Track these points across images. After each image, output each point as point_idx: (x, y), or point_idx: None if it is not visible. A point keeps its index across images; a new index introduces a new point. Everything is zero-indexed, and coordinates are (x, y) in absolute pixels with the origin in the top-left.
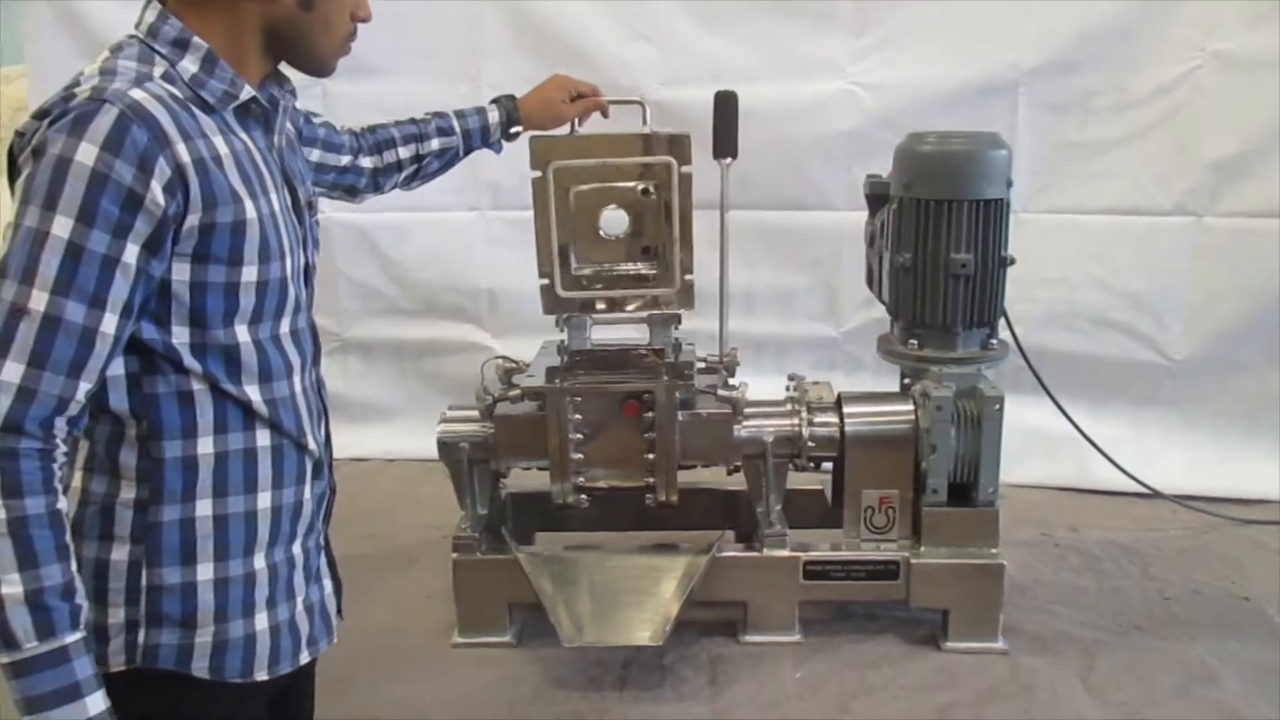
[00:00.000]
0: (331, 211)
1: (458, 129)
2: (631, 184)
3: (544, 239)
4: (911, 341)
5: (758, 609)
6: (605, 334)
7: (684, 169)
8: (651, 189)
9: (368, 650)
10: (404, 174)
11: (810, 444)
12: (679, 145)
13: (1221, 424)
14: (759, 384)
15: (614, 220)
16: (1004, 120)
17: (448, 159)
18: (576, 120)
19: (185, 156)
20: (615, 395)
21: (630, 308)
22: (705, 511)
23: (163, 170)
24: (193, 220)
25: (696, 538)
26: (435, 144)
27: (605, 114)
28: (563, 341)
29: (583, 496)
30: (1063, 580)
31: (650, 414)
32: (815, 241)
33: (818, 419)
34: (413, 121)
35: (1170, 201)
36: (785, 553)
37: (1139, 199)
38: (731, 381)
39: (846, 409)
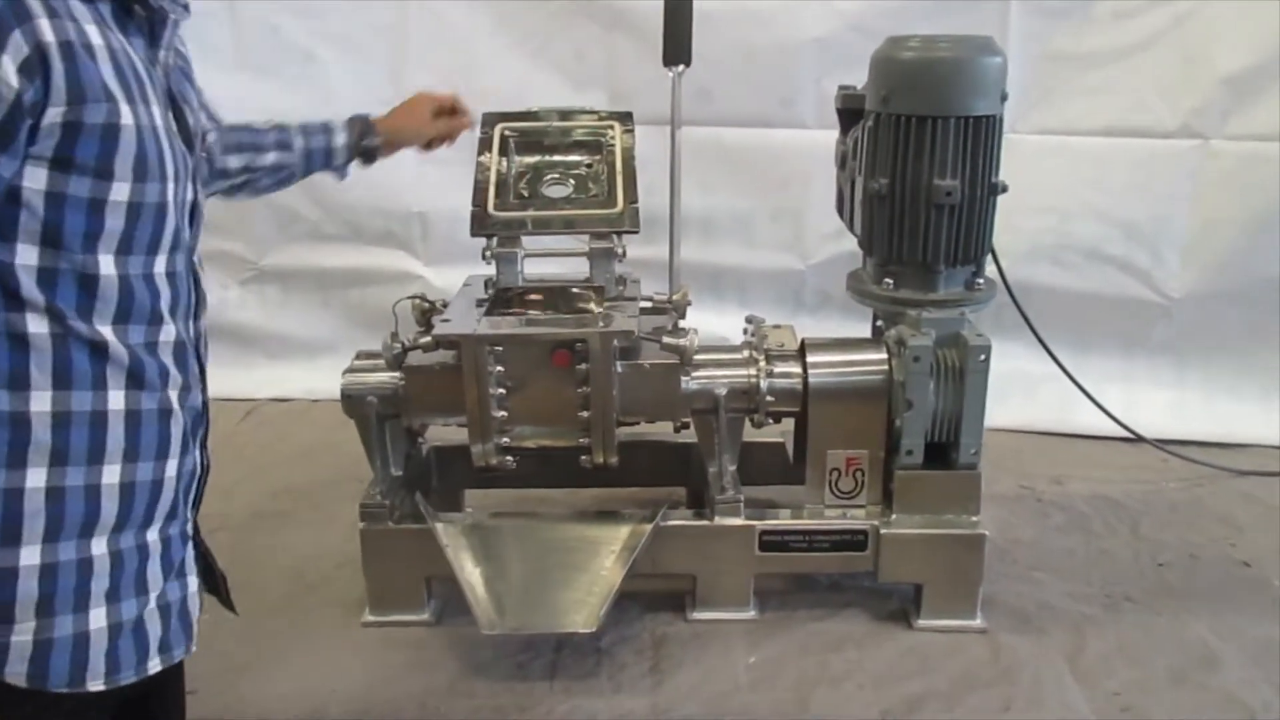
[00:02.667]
0: None
1: (297, 147)
2: (575, 158)
3: (481, 182)
4: (886, 280)
5: (708, 582)
6: (542, 268)
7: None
8: (595, 162)
9: (265, 630)
10: (228, 184)
11: (769, 398)
12: (625, 119)
13: (1214, 365)
14: (717, 322)
15: (555, 191)
16: (993, 26)
17: (282, 178)
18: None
19: (49, 35)
20: (543, 344)
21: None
22: (653, 467)
23: (18, 46)
24: (55, 115)
25: (643, 498)
26: (270, 159)
27: (471, 128)
28: (490, 277)
29: (508, 458)
30: (1046, 542)
31: (584, 365)
32: (780, 163)
33: (778, 369)
34: (250, 129)
35: (1175, 122)
36: (739, 521)
37: (1140, 118)
38: (682, 324)
39: (811, 358)
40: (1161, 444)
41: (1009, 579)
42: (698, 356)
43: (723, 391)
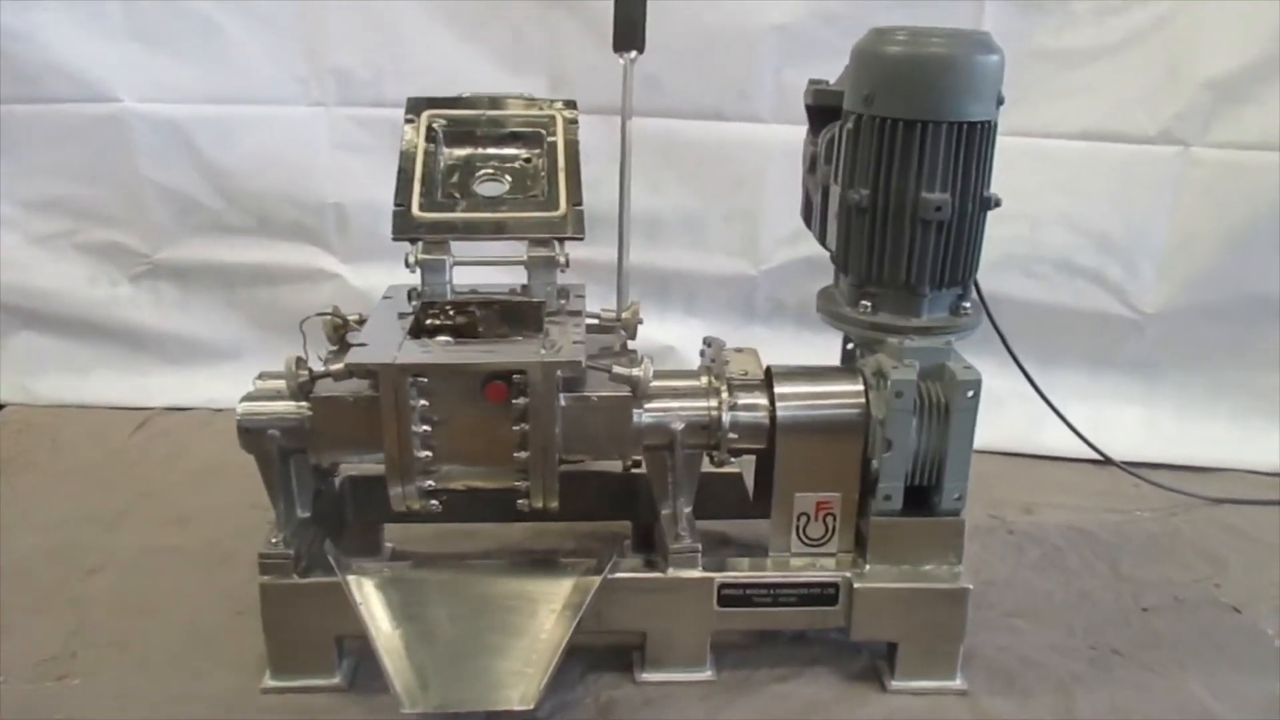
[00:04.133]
0: (131, 100)
1: None
2: (512, 151)
3: (405, 177)
4: (863, 303)
5: (661, 640)
6: (476, 276)
7: (570, 115)
8: (534, 156)
9: (147, 699)
10: None
11: (731, 434)
12: (568, 108)
13: (1187, 384)
14: (663, 329)
15: (490, 189)
16: (966, 18)
17: None
18: None
19: None
20: (474, 375)
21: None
22: (597, 498)
23: None
24: None
25: (584, 532)
26: None
27: None
28: (414, 288)
29: (433, 501)
30: (1022, 582)
31: (522, 400)
32: (734, 160)
33: (741, 400)
34: None
35: (1155, 127)
36: (696, 573)
37: (1119, 122)
38: (631, 345)
39: (779, 388)
40: (1131, 468)
41: (987, 628)
42: (652, 385)
43: (679, 426)
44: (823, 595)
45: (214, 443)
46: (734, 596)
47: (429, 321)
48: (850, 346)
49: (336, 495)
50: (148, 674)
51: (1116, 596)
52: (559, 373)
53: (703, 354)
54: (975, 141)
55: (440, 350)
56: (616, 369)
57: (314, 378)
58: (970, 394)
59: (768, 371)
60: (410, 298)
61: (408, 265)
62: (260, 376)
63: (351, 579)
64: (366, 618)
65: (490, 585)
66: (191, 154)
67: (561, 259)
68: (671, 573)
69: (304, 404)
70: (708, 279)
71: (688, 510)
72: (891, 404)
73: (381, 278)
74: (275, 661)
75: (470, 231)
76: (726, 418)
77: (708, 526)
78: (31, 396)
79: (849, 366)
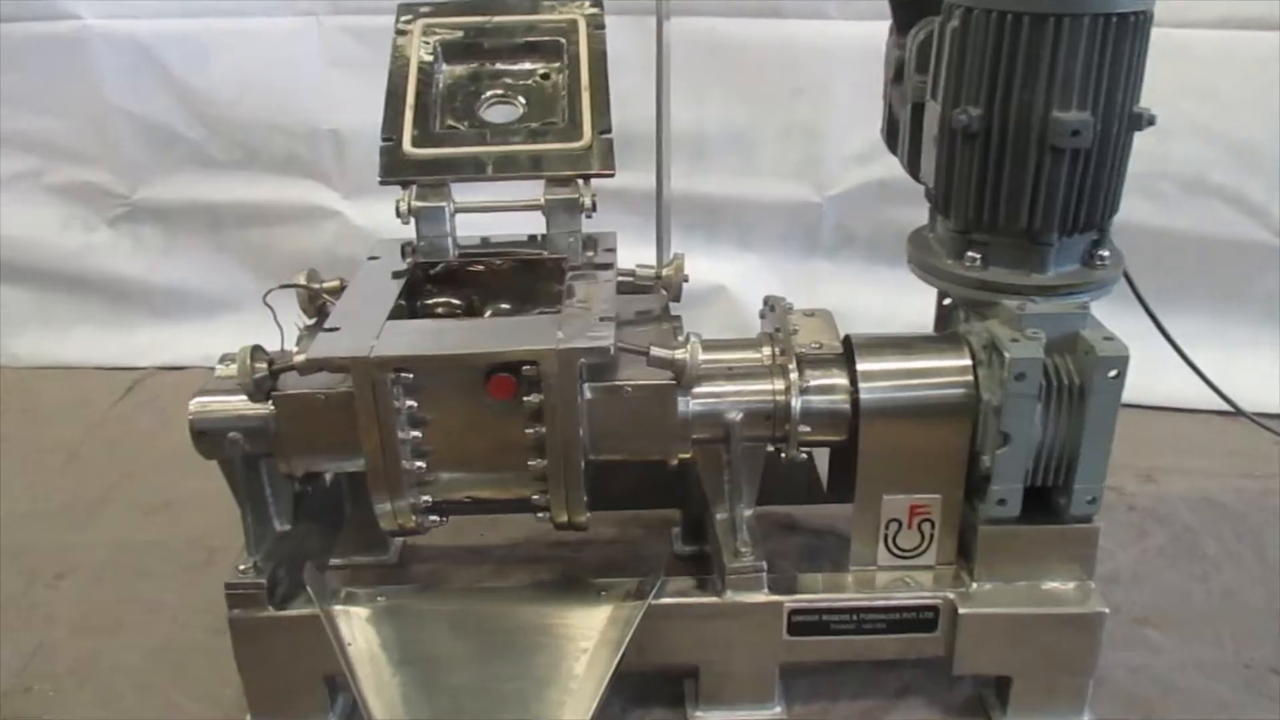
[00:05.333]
0: (92, 17)
1: None
2: (526, 66)
3: (395, 104)
4: (970, 255)
5: (718, 674)
6: (483, 227)
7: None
8: (552, 71)
9: None
10: None
11: (803, 426)
12: (593, 8)
13: None
14: (711, 267)
15: (500, 114)
16: None
17: None
18: None
19: None
20: (472, 368)
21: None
22: (638, 483)
23: None
24: None
25: (623, 523)
26: None
27: None
28: (409, 244)
29: (431, 518)
30: (1153, 576)
31: (535, 397)
32: (793, 65)
33: (815, 381)
34: None
35: None
36: (761, 597)
37: (1264, 7)
38: (673, 309)
39: (862, 364)
40: (1268, 420)
41: (1115, 642)
42: (702, 365)
43: (737, 416)
44: (918, 621)
45: None
46: (808, 624)
47: (425, 287)
48: (948, 302)
49: (329, 488)
50: (109, 715)
51: (1268, 596)
52: (581, 361)
53: (763, 317)
54: (1126, 39)
55: (429, 335)
56: (655, 352)
57: (275, 371)
58: (1113, 373)
59: (846, 342)
60: (404, 254)
61: (399, 214)
62: (223, 360)
63: (337, 611)
64: (356, 664)
65: (509, 617)
66: (164, 77)
67: (586, 201)
68: (730, 596)
69: (268, 404)
70: (763, 207)
71: (748, 514)
72: (1010, 388)
73: (388, 215)
74: (256, 704)
75: (475, 170)
76: (796, 404)
77: (768, 513)
78: (10, 358)
79: (950, 334)
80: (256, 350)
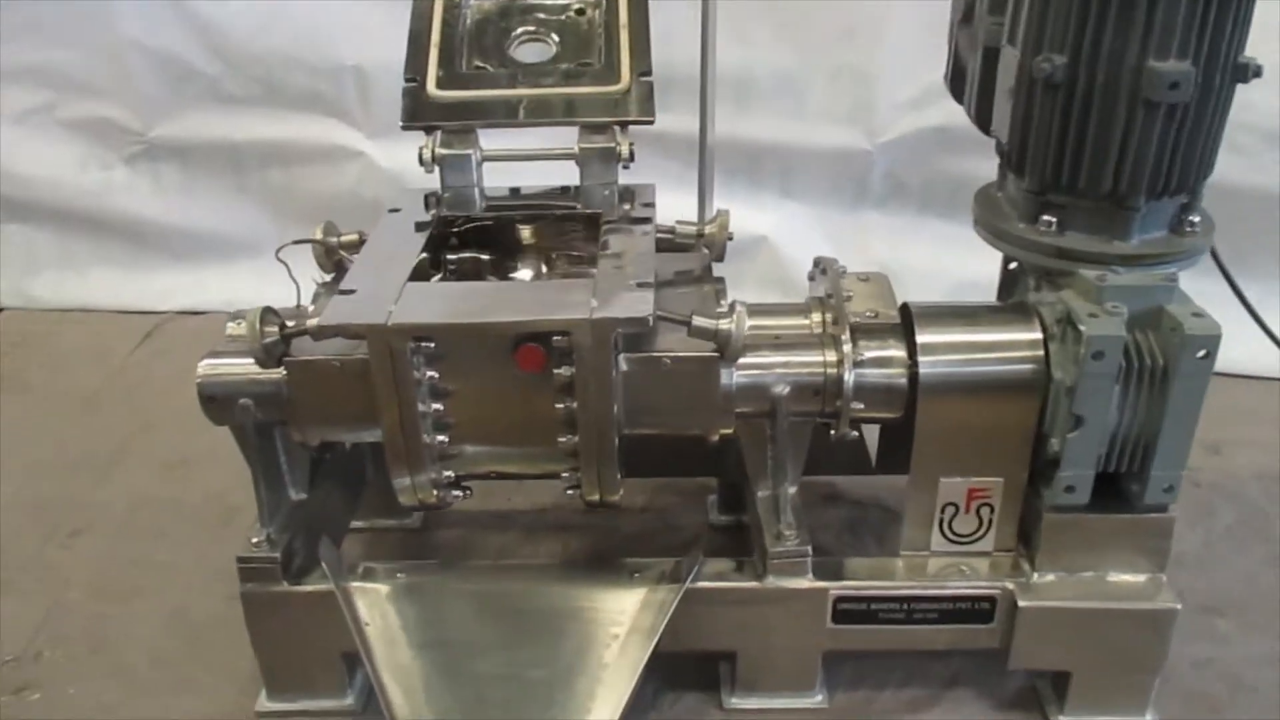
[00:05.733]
0: None
1: None
2: (558, 1)
3: (419, 41)
4: (1046, 218)
5: (756, 661)
6: (512, 175)
7: None
8: (588, 7)
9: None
10: None
11: (856, 403)
12: None
13: None
14: (753, 215)
15: (531, 52)
16: None
17: None
18: None
19: None
20: (499, 338)
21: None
22: (672, 450)
23: None
24: None
25: (662, 487)
26: None
27: None
28: (432, 194)
29: (454, 493)
30: (1220, 559)
31: (566, 369)
32: (845, 3)
33: (870, 353)
34: None
35: None
36: (805, 583)
37: None
38: (715, 270)
39: (923, 335)
40: None
41: (1179, 632)
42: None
43: (783, 390)
44: (974, 611)
45: None
46: (854, 612)
47: (449, 243)
48: (1014, 266)
49: (350, 449)
50: (122, 686)
51: None
52: (617, 331)
53: (812, 280)
54: None
55: (452, 300)
56: (697, 321)
57: (287, 335)
58: (1202, 354)
59: (904, 311)
60: (428, 205)
61: (422, 162)
62: (234, 318)
63: (354, 589)
64: (373, 646)
65: (535, 598)
66: (179, 8)
67: (624, 150)
68: (772, 581)
69: (279, 369)
70: (809, 154)
71: (792, 491)
72: (1087, 367)
73: (414, 157)
74: (271, 680)
75: (504, 115)
76: (850, 378)
77: (809, 480)
78: (29, 299)
79: (1017, 304)
80: (267, 312)
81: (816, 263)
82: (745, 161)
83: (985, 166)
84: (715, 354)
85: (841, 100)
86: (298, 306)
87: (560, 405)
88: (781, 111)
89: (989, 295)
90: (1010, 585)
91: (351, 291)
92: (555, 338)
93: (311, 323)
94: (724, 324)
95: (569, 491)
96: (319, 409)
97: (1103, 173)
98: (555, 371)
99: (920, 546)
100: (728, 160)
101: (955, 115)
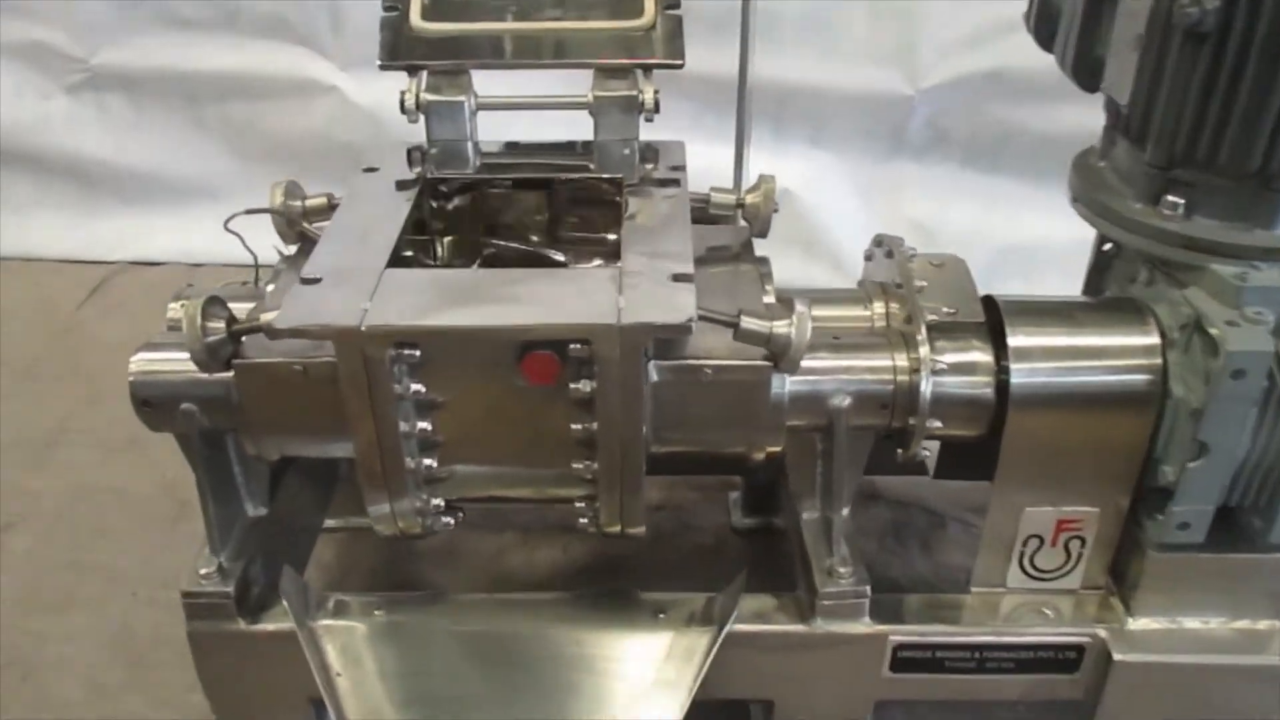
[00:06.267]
0: None
1: None
2: None
3: None
4: (1171, 199)
5: (796, 709)
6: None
7: None
8: None
9: None
10: None
11: (933, 420)
12: None
13: None
14: (778, 165)
15: None
16: None
17: None
18: None
19: None
20: (502, 345)
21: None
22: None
23: None
24: None
25: (678, 484)
26: None
27: None
28: (417, 148)
29: (445, 520)
30: None
31: (585, 384)
32: None
33: (950, 356)
34: None
35: None
36: (862, 627)
37: None
38: (757, 248)
39: (1015, 337)
40: None
41: None
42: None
43: (843, 402)
44: (1056, 660)
45: None
46: (917, 660)
47: (437, 211)
48: (1107, 248)
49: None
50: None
51: None
52: (652, 339)
53: (869, 260)
54: None
55: (442, 294)
56: (747, 323)
57: (236, 333)
58: None
59: (989, 305)
60: (411, 162)
61: (405, 110)
62: (178, 298)
63: (322, 630)
64: (344, 702)
65: (540, 643)
66: None
67: (648, 98)
68: (821, 625)
69: (226, 372)
70: (843, 98)
71: (844, 514)
72: (1223, 388)
73: (392, 91)
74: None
75: (503, 54)
76: (927, 388)
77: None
78: None
79: (1126, 300)
80: (211, 305)
81: (879, 242)
82: (770, 105)
83: (1038, 117)
84: (767, 363)
85: (881, 38)
86: (255, 281)
87: (577, 426)
88: (812, 49)
89: (1036, 262)
90: (1102, 632)
91: (315, 280)
92: (573, 345)
93: (266, 317)
94: (781, 327)
95: (582, 521)
96: (277, 420)
97: (1251, 146)
98: (571, 386)
99: (994, 582)
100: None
101: (1009, 58)
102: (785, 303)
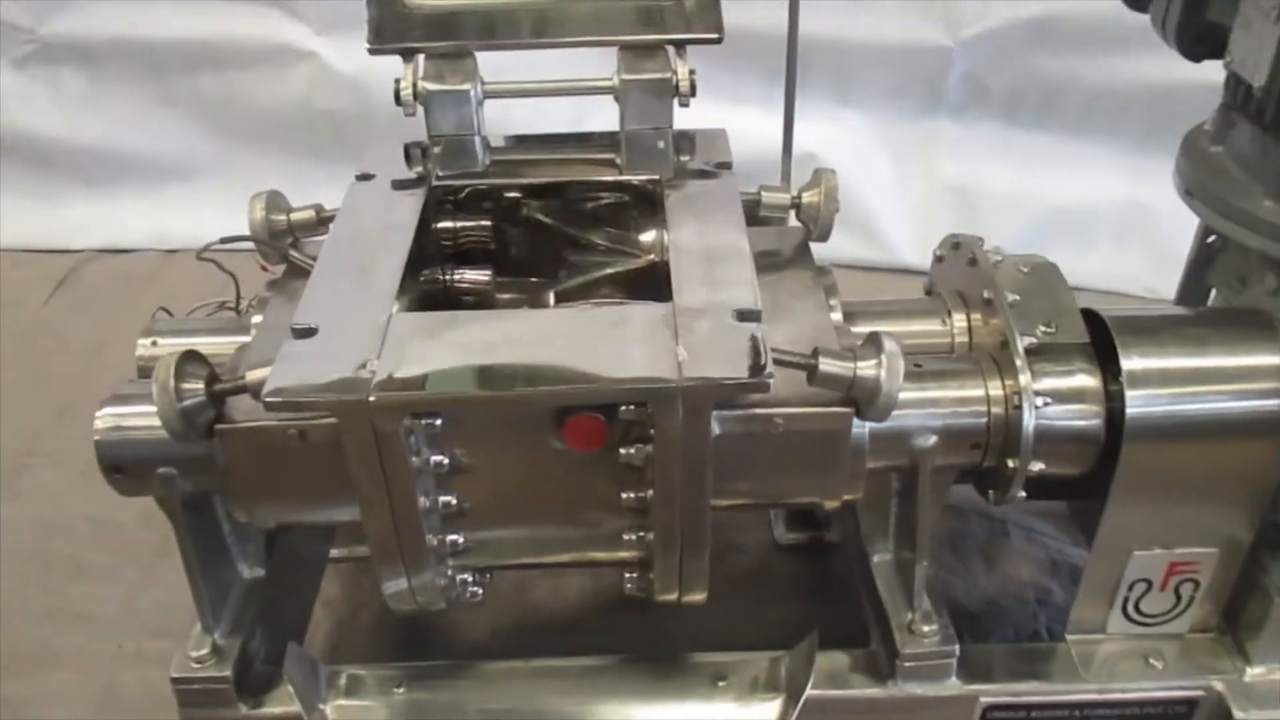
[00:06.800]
0: None
1: None
2: None
3: None
4: None
5: None
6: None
7: None
8: None
9: None
10: None
11: (1036, 461)
12: None
13: None
14: (799, 126)
15: None
16: None
17: None
18: None
19: None
20: (540, 411)
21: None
22: None
23: None
24: None
25: None
26: None
27: None
28: (416, 146)
29: (473, 590)
30: None
31: (637, 449)
32: None
33: (1049, 381)
34: None
35: None
36: (951, 688)
37: None
38: (821, 265)
39: (1129, 359)
40: None
41: None
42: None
43: (928, 440)
44: (1164, 716)
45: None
46: None
47: (442, 222)
48: (1212, 240)
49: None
50: None
51: None
52: (716, 401)
53: (940, 262)
54: None
55: (463, 346)
56: (827, 366)
57: (217, 395)
58: None
59: (1092, 320)
60: (409, 160)
61: (400, 102)
62: (148, 334)
63: (334, 712)
64: None
65: (589, 709)
66: None
67: (683, 79)
68: (904, 688)
69: (208, 438)
70: (873, 51)
71: (925, 566)
72: None
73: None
74: None
75: (515, 33)
76: (1029, 422)
77: None
78: None
79: (1250, 312)
80: (186, 361)
81: (954, 243)
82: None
83: (1091, 69)
84: (848, 410)
85: None
86: (236, 305)
87: (629, 494)
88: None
89: (1086, 228)
90: (1218, 684)
91: (309, 331)
92: (623, 409)
93: (253, 375)
94: (867, 369)
95: (628, 587)
96: (272, 488)
97: None
98: (622, 451)
99: (1093, 629)
100: (768, 57)
101: (1058, 3)
102: (870, 340)
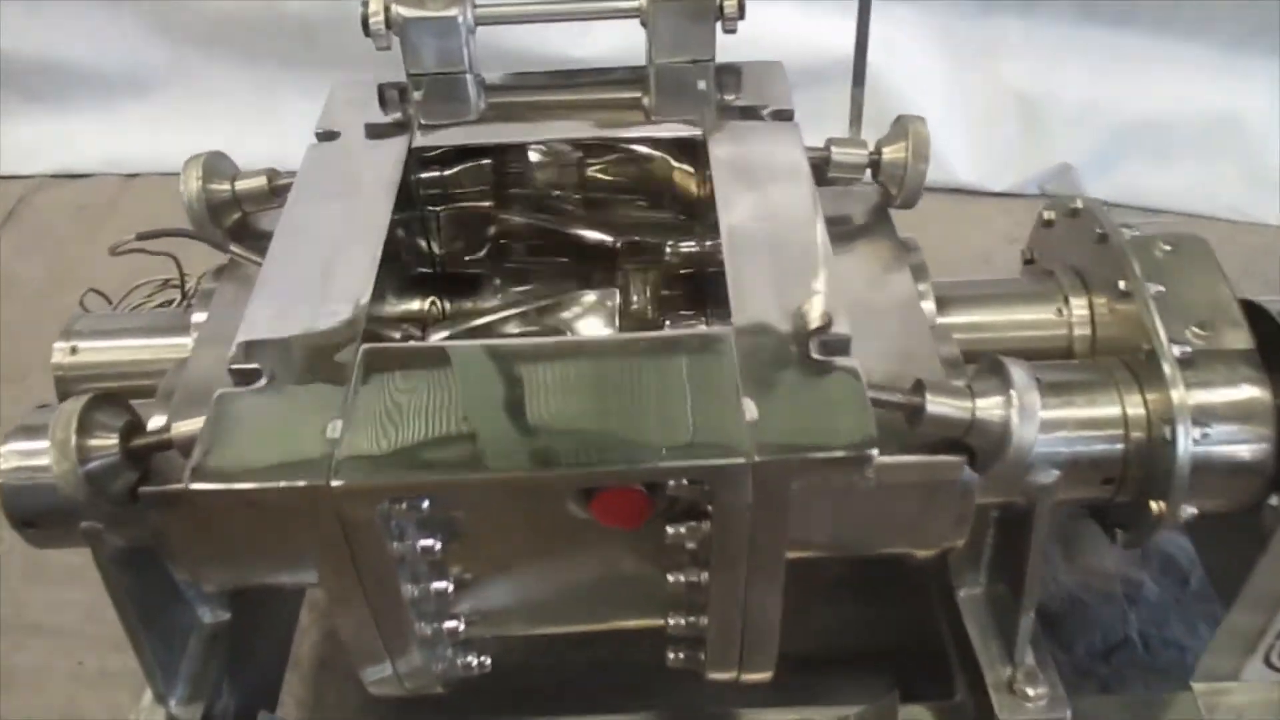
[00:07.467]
0: None
1: None
2: None
3: None
4: None
5: None
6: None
7: None
8: None
9: None
10: None
11: (1186, 506)
12: None
13: None
14: (830, 30)
15: None
16: None
17: None
18: None
19: None
20: (564, 490)
21: None
22: None
23: None
24: None
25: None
26: None
27: None
28: (392, 87)
29: (475, 663)
30: None
31: (689, 528)
32: None
33: (1204, 394)
34: None
35: None
36: None
37: None
38: (908, 239)
39: None
40: None
41: None
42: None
43: (1049, 477)
44: None
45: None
46: None
47: (429, 190)
48: None
49: None
50: None
51: None
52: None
53: (1049, 226)
54: None
55: (463, 397)
56: (936, 407)
57: (135, 452)
58: None
59: (1255, 315)
60: (384, 104)
61: (369, 30)
62: (67, 336)
63: None
64: None
65: None
66: None
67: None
68: None
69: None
70: None
71: (1029, 617)
72: None
73: None
74: None
75: None
76: (1185, 450)
77: None
78: None
79: None
80: (94, 409)
81: (1071, 210)
82: None
83: None
84: (960, 459)
85: None
86: (183, 298)
87: (677, 578)
88: None
89: (1171, 141)
90: None
91: (252, 375)
92: (672, 484)
93: (181, 429)
94: (990, 412)
95: (671, 659)
96: (217, 552)
97: None
98: (670, 530)
99: (1224, 675)
100: None
101: None
102: (991, 367)
